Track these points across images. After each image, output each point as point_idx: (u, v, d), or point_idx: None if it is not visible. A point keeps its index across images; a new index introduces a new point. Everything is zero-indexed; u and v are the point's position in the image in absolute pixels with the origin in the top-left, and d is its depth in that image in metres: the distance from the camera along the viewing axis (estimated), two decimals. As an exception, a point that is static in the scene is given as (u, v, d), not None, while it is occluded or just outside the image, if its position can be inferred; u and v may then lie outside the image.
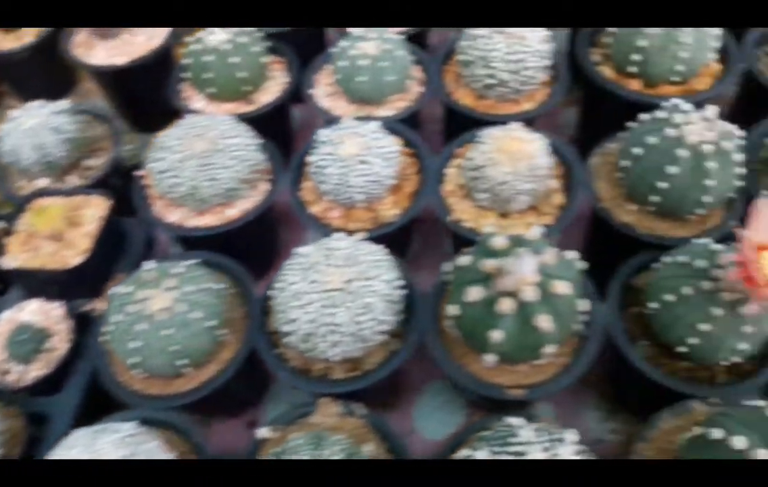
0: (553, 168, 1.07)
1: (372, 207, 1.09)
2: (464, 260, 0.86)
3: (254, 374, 1.08)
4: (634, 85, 1.19)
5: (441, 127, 1.42)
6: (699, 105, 1.01)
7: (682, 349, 0.88)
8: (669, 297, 0.87)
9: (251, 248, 1.16)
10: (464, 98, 1.24)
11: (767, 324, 0.85)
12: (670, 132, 0.95)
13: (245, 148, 1.10)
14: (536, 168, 1.02)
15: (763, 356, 0.91)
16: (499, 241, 0.84)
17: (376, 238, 1.04)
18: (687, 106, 0.98)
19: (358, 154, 1.04)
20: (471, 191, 1.07)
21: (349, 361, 0.94)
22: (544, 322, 0.80)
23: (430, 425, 1.10)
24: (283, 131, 1.37)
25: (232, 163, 1.08)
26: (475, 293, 0.82)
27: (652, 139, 0.96)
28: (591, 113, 1.35)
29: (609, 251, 1.04)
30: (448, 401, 1.13)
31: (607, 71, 1.23)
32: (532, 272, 0.81)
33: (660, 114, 0.99)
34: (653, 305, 0.90)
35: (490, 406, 1.06)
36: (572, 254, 0.86)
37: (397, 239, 1.09)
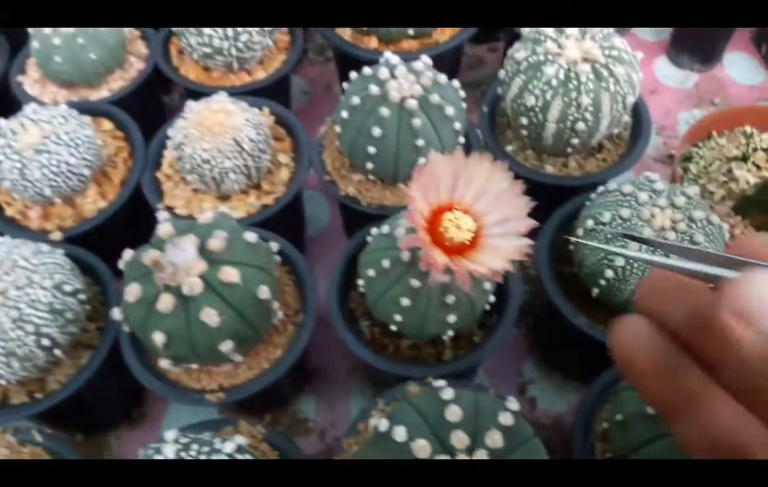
0: (270, 141, 0.95)
1: (73, 201, 0.95)
2: (129, 254, 0.75)
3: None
4: (372, 43, 1.09)
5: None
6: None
7: (393, 327, 0.79)
8: (371, 272, 0.77)
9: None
10: (191, 72, 1.11)
11: (467, 290, 0.77)
12: (374, 90, 0.85)
13: None
14: (243, 143, 0.90)
15: (487, 324, 0.84)
16: (164, 229, 0.73)
17: (77, 237, 0.92)
18: (395, 59, 0.88)
19: (36, 145, 0.89)
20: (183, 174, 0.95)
21: (28, 382, 0.81)
22: (210, 317, 0.69)
23: (179, 435, 0.99)
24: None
25: None
26: (133, 292, 0.71)
27: (355, 100, 0.86)
28: (344, 78, 1.23)
29: (352, 227, 0.95)
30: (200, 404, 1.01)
31: (347, 30, 1.13)
32: (193, 261, 0.70)
33: (367, 71, 0.89)
34: (361, 282, 0.80)
35: (240, 408, 0.96)
36: (252, 235, 0.76)
37: (112, 234, 0.96)
